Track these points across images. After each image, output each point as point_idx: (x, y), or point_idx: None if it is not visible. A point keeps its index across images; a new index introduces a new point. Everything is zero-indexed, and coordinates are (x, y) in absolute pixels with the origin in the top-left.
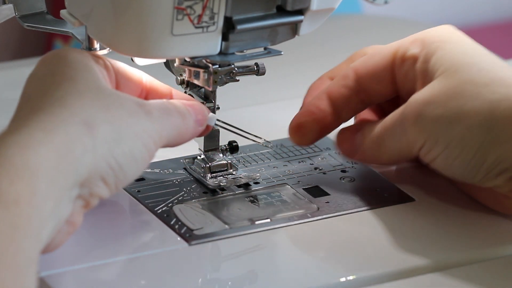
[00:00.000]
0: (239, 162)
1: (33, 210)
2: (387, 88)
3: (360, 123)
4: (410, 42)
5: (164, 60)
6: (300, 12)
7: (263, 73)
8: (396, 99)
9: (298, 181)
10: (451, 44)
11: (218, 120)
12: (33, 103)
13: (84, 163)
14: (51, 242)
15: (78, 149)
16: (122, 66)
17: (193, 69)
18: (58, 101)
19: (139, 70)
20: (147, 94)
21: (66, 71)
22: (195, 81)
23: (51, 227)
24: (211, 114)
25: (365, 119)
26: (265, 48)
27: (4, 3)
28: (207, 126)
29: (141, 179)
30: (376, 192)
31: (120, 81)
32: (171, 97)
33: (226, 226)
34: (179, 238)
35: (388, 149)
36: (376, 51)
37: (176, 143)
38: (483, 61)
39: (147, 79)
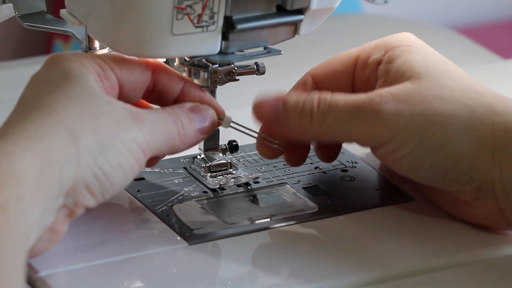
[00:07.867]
0: (239, 161)
1: (21, 215)
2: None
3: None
4: (371, 48)
5: (164, 60)
6: (300, 11)
7: (263, 73)
8: None
9: (298, 181)
10: (417, 49)
11: (233, 122)
12: (23, 110)
13: (68, 171)
14: (33, 248)
15: (62, 158)
16: (127, 62)
17: (193, 68)
18: (45, 109)
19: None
20: (156, 81)
21: (60, 78)
22: (195, 81)
23: (37, 234)
24: (226, 116)
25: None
26: (265, 48)
27: (4, 2)
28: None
29: (141, 179)
30: (376, 192)
31: (125, 83)
32: (183, 87)
33: (226, 226)
34: (179, 238)
35: (333, 129)
36: (333, 58)
37: (171, 152)
38: (451, 70)
39: (158, 68)
